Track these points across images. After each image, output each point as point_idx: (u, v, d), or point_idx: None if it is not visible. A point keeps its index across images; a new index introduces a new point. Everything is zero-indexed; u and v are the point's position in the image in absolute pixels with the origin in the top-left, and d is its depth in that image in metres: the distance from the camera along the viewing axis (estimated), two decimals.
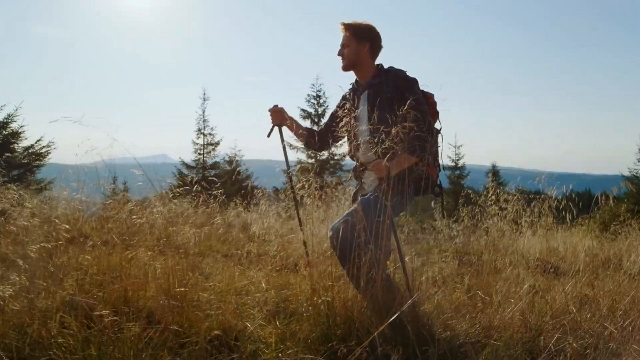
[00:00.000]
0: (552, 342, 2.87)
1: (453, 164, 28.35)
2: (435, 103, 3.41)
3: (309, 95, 24.47)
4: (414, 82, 3.27)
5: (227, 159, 25.67)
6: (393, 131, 2.91)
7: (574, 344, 2.76)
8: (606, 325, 2.92)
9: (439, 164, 3.39)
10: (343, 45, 3.35)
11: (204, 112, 24.87)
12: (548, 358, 2.68)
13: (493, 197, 4.59)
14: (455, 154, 28.10)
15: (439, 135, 3.37)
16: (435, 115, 3.40)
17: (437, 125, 3.39)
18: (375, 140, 3.00)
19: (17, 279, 2.39)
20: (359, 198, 3.26)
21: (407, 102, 2.92)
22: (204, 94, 25.07)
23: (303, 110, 24.11)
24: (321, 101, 24.45)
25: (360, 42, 3.31)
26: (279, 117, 3.64)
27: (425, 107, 3.21)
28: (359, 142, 3.30)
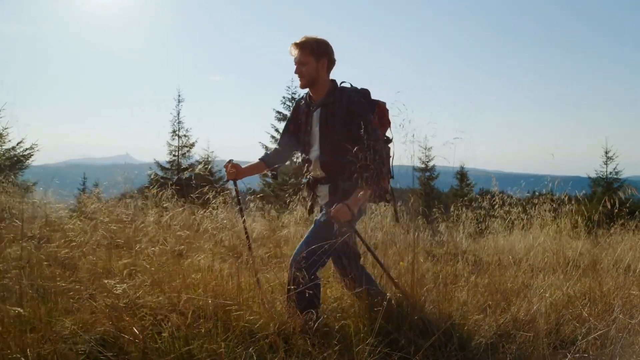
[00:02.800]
0: (571, 332, 3.24)
1: (423, 166, 28.70)
2: (387, 111, 3.45)
3: (284, 97, 24.56)
4: (364, 105, 3.28)
5: (199, 160, 25.39)
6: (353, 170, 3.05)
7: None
8: (621, 317, 3.25)
9: (391, 173, 3.44)
10: (300, 63, 3.28)
11: (178, 114, 24.69)
12: (576, 346, 3.00)
13: (498, 200, 4.90)
14: (426, 156, 28.50)
15: (389, 146, 3.46)
16: (386, 124, 3.45)
17: (388, 134, 3.49)
18: (326, 163, 3.20)
19: (143, 278, 2.58)
20: (317, 220, 3.32)
21: (364, 139, 3.02)
22: (179, 95, 24.88)
23: (278, 112, 24.17)
24: None
25: (319, 59, 3.28)
26: (232, 173, 3.58)
27: (377, 133, 3.23)
28: (311, 158, 3.40)
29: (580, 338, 3.07)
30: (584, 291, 4.01)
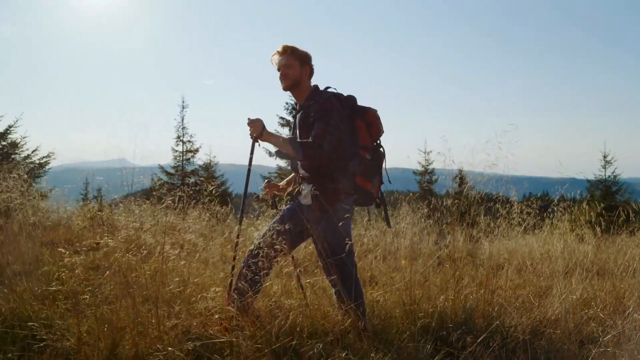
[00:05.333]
0: (591, 331, 3.62)
1: (423, 169, 28.87)
2: (377, 119, 3.60)
3: (287, 103, 24.81)
4: (334, 105, 3.42)
5: (202, 164, 25.55)
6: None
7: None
8: (635, 316, 3.63)
9: (380, 179, 3.62)
10: (286, 66, 3.51)
11: (182, 120, 25.01)
12: (599, 343, 3.38)
13: (517, 208, 5.22)
14: (425, 160, 28.69)
15: (381, 150, 3.62)
16: (376, 131, 3.59)
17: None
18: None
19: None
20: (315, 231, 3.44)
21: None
22: (183, 101, 25.20)
23: (282, 118, 24.38)
24: None
25: (304, 65, 3.55)
26: (271, 192, 3.88)
27: (326, 143, 3.30)
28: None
29: (601, 335, 3.45)
30: (599, 293, 4.38)
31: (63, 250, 3.75)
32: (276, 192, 3.92)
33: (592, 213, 5.24)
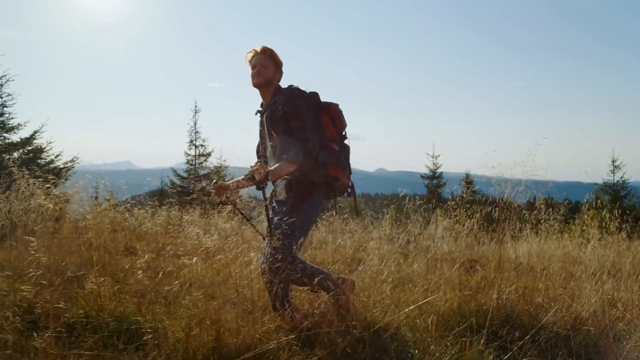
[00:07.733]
0: (619, 330, 3.92)
1: (431, 173, 29.09)
2: (340, 112, 3.78)
3: None
4: (298, 107, 3.55)
5: (213, 168, 25.86)
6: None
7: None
8: None
9: (349, 169, 3.75)
10: (263, 65, 3.68)
11: (195, 124, 25.45)
12: (631, 339, 3.67)
13: (544, 214, 5.52)
14: (433, 164, 28.93)
15: (346, 141, 3.78)
16: (340, 124, 3.76)
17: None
18: (277, 158, 3.52)
19: None
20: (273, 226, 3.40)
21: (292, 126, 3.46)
22: (196, 106, 25.69)
23: None
24: None
25: (277, 69, 3.75)
26: (222, 194, 3.82)
27: (308, 133, 3.46)
28: (267, 157, 3.78)
29: (632, 332, 3.75)
30: (624, 294, 4.67)
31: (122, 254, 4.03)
32: (227, 196, 3.87)
33: (617, 219, 5.57)
